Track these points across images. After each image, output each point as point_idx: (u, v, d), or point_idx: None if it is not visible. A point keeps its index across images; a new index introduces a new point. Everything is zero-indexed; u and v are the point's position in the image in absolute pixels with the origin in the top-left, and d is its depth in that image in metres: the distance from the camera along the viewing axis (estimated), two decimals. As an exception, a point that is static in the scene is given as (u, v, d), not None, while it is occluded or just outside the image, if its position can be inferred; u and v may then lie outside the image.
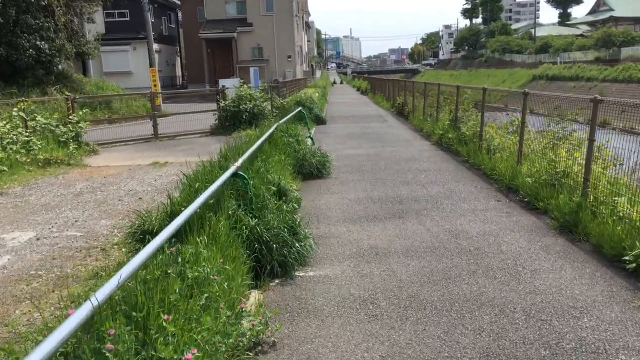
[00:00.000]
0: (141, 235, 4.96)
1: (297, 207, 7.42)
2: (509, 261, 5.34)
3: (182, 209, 4.71)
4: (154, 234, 4.83)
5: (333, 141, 14.90)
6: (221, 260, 4.00)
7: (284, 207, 5.83)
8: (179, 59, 51.08)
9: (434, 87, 16.94)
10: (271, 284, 4.89)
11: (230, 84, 19.41)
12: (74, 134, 13.93)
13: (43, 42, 23.30)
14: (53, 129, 13.82)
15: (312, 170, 9.59)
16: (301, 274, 5.13)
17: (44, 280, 4.85)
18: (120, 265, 3.52)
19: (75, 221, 6.98)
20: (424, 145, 13.77)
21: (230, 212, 4.87)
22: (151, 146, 15.14)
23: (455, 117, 12.97)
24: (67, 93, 25.34)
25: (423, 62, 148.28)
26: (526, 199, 7.49)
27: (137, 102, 27.02)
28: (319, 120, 19.62)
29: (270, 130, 8.78)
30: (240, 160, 5.52)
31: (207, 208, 4.73)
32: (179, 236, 4.29)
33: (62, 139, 13.59)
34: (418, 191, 8.54)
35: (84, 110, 14.99)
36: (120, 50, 40.96)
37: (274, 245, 4.94)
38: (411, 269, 5.21)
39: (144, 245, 3.32)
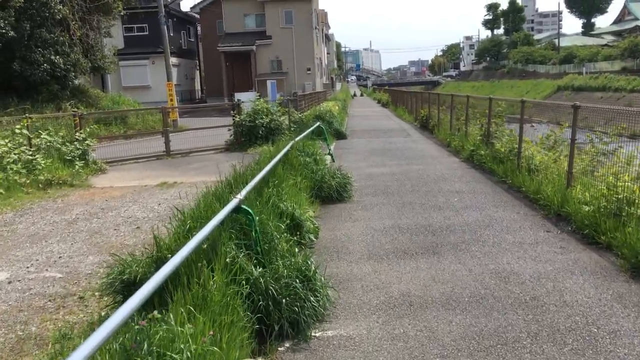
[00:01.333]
0: (121, 285, 4.02)
1: (314, 239, 6.45)
2: (577, 318, 4.26)
3: (169, 255, 3.78)
4: (136, 283, 3.91)
5: (354, 158, 13.91)
6: (212, 333, 3.03)
7: (295, 249, 4.83)
8: (198, 72, 50.78)
9: (461, 99, 15.88)
10: (280, 348, 3.90)
11: (246, 98, 18.61)
12: (80, 152, 13.19)
13: (58, 57, 22.86)
14: (59, 146, 13.11)
15: (331, 193, 8.61)
16: (318, 334, 4.12)
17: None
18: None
19: (60, 257, 6.10)
20: (453, 162, 12.70)
21: (228, 259, 3.90)
22: (162, 164, 14.33)
23: (488, 132, 11.90)
24: (82, 108, 25.00)
25: (444, 73, 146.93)
26: (584, 231, 6.38)
27: (153, 116, 26.41)
28: (339, 135, 18.67)
29: (284, 150, 7.84)
30: (244, 192, 4.57)
31: (200, 254, 3.78)
32: (162, 295, 3.35)
33: (68, 158, 12.86)
34: (452, 218, 7.49)
35: (92, 127, 14.25)
36: (139, 64, 40.72)
37: (284, 300, 3.95)
38: (455, 327, 4.17)
39: (101, 324, 2.37)
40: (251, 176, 5.97)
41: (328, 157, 13.41)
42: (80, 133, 13.58)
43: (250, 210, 4.42)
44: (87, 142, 13.39)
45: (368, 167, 12.32)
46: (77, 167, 12.47)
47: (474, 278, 5.20)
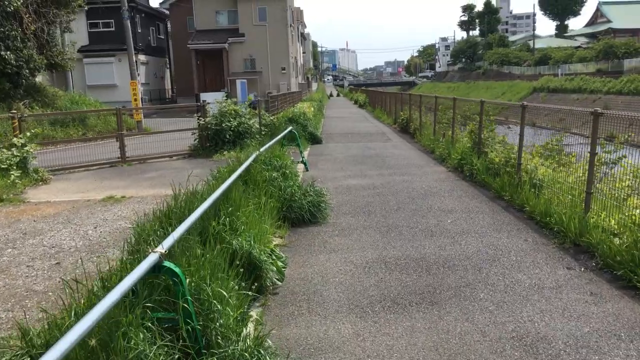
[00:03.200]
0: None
1: (278, 282, 5.04)
2: None
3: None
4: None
5: (330, 166, 12.54)
6: None
7: (246, 330, 3.43)
8: (168, 71, 48.86)
9: (447, 102, 14.66)
10: None
11: (212, 99, 17.10)
12: (18, 160, 11.54)
13: (8, 52, 20.97)
14: (-8, 154, 11.46)
15: (303, 214, 7.22)
16: None
17: None
18: None
19: None
20: (439, 172, 11.41)
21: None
22: (115, 172, 12.76)
23: (479, 139, 10.64)
24: (37, 109, 23.13)
25: (420, 74, 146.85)
26: (616, 270, 5.11)
27: (115, 117, 24.74)
28: (315, 139, 17.29)
29: (244, 165, 6.41)
30: (168, 241, 3.15)
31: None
32: None
33: (2, 166, 11.22)
34: (449, 248, 6.16)
35: (34, 131, 12.60)
36: (105, 62, 38.72)
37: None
38: None
39: None
40: (197, 204, 4.55)
41: (301, 166, 12.03)
42: (20, 138, 11.91)
43: (176, 270, 3.00)
44: (26, 148, 11.73)
45: (345, 177, 10.95)
46: (12, 177, 10.84)
47: (491, 347, 3.86)
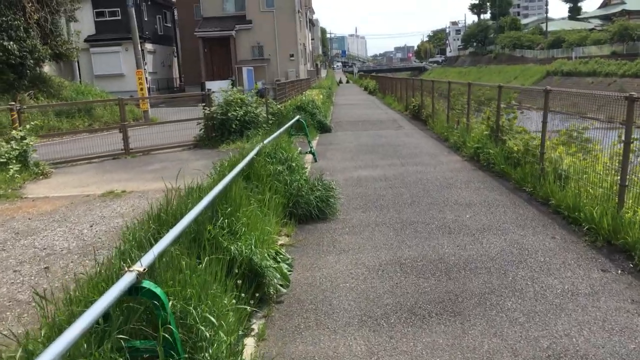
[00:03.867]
0: None
1: (282, 289, 4.58)
2: None
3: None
4: None
5: (340, 156, 12.03)
6: None
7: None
8: (176, 59, 48.36)
9: (461, 87, 14.07)
10: None
11: (218, 87, 16.61)
12: (17, 153, 11.16)
13: (11, 43, 20.59)
14: (-10, 146, 11.09)
15: (310, 210, 6.74)
16: None
17: None
18: None
19: None
20: (455, 162, 10.87)
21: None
22: (118, 165, 12.36)
23: (497, 126, 10.07)
24: (42, 99, 22.79)
25: (430, 59, 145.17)
26: (659, 275, 4.60)
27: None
28: (324, 128, 16.76)
29: (246, 160, 5.92)
30: (148, 257, 2.68)
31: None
32: None
33: (1, 160, 10.84)
34: (469, 247, 5.66)
35: (33, 123, 12.19)
36: (112, 51, 38.29)
37: None
38: None
39: None
40: (190, 206, 4.08)
41: (309, 157, 11.55)
42: (19, 130, 11.52)
43: (156, 291, 2.54)
44: (26, 141, 11.34)
45: (356, 168, 10.45)
46: (11, 171, 10.47)
47: (524, 369, 3.38)
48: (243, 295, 3.89)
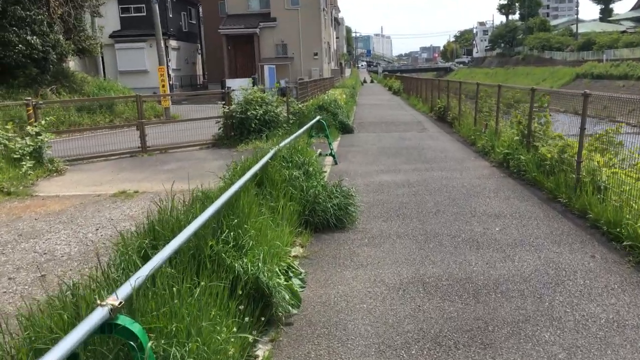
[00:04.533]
0: None
1: (293, 310, 4.15)
2: None
3: None
4: None
5: (361, 159, 11.56)
6: None
7: None
8: (200, 57, 48.37)
9: (490, 89, 13.48)
10: None
11: (238, 85, 16.28)
12: (32, 149, 10.95)
13: (35, 37, 20.58)
14: (5, 142, 10.89)
15: (327, 218, 6.31)
16: None
17: None
18: None
19: None
20: (482, 167, 10.32)
21: None
22: (134, 163, 12.09)
23: (529, 132, 9.50)
24: (65, 95, 22.79)
25: (456, 60, 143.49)
26: None
27: (145, 104, 24.33)
28: (345, 129, 16.31)
29: (260, 164, 5.49)
30: (124, 291, 2.27)
31: None
32: None
33: (15, 156, 10.64)
34: (499, 265, 5.16)
35: (48, 119, 11.98)
36: (136, 47, 38.38)
37: None
38: None
39: None
40: (191, 218, 3.68)
41: (329, 159, 11.11)
42: (34, 126, 11.31)
43: (133, 329, 2.13)
44: (40, 137, 11.12)
45: (377, 173, 9.98)
46: (24, 167, 10.26)
47: (568, 421, 2.89)
48: (247, 319, 3.47)
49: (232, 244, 3.92)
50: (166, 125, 16.54)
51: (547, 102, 9.56)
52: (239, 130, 14.13)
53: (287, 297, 3.95)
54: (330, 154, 11.04)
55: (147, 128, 14.39)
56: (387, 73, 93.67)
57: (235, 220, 4.12)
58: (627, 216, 5.72)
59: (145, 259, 3.24)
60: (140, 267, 2.56)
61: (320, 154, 10.67)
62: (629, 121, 7.41)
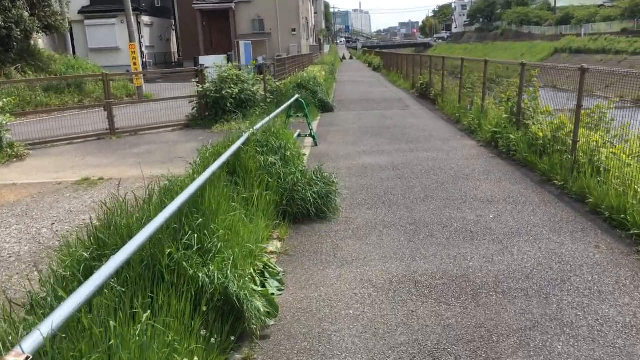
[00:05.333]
0: None
1: (269, 321, 3.62)
2: None
3: None
4: None
5: (343, 139, 10.99)
6: None
7: None
8: (174, 33, 46.88)
9: (476, 65, 12.98)
10: None
11: (211, 62, 15.50)
12: (-12, 134, 10.18)
13: (-5, 14, 19.42)
14: (-41, 126, 10.10)
15: (307, 207, 5.76)
16: None
17: None
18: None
19: None
20: (469, 147, 9.84)
21: None
22: (101, 147, 11.35)
23: (519, 109, 9.02)
24: (31, 74, 21.68)
25: (435, 35, 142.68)
26: None
27: (115, 83, 23.35)
28: (325, 107, 15.68)
29: (230, 152, 4.89)
30: (31, 342, 1.71)
31: None
32: None
33: (-30, 141, 9.87)
34: (497, 259, 4.68)
35: (5, 100, 11.15)
36: (107, 24, 36.88)
37: None
38: None
39: None
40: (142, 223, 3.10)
41: (309, 140, 10.53)
42: (-10, 108, 10.50)
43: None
44: (-2, 120, 10.33)
45: (360, 154, 9.43)
46: (-20, 154, 9.51)
47: None
48: (213, 339, 2.93)
49: (196, 247, 3.35)
50: (137, 105, 15.71)
51: (533, 77, 9.08)
52: (213, 110, 13.42)
53: (261, 308, 3.40)
54: (310, 135, 10.46)
55: (118, 109, 13.62)
56: (366, 49, 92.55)
57: (200, 220, 3.54)
58: (632, 201, 5.28)
59: (87, 275, 2.66)
60: (66, 299, 1.99)
61: (299, 135, 10.07)
62: (607, 95, 7.09)
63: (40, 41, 27.76)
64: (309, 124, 10.48)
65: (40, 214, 6.43)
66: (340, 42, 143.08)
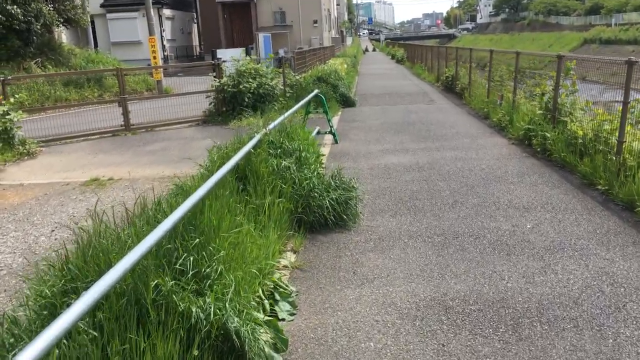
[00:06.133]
0: None
1: (278, 354, 3.13)
2: None
3: None
4: None
5: (364, 137, 10.45)
6: None
7: None
8: (196, 26, 46.65)
9: (506, 57, 12.30)
10: None
11: (230, 56, 15.06)
12: (0, 130, 9.89)
13: (15, 7, 19.25)
14: (-32, 123, 9.83)
15: (325, 215, 5.26)
16: None
17: None
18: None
19: None
20: (500, 145, 9.21)
21: None
22: (115, 144, 11.01)
23: (554, 105, 8.37)
24: (50, 68, 21.56)
25: (460, 26, 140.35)
26: None
27: (134, 77, 23.14)
28: (347, 102, 15.12)
29: (239, 155, 4.40)
30: None
31: None
32: None
33: (-20, 138, 9.60)
34: (539, 279, 4.12)
35: (17, 96, 10.87)
36: (128, 17, 36.74)
37: None
38: None
39: None
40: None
41: (329, 137, 10.02)
42: (2, 105, 10.21)
43: None
44: (9, 116, 10.02)
45: (383, 153, 8.89)
46: (-10, 151, 9.22)
47: None
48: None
49: (191, 273, 2.88)
50: (154, 100, 15.38)
51: (570, 70, 8.40)
52: (231, 105, 12.99)
53: (266, 348, 2.91)
54: (330, 132, 9.94)
55: (135, 104, 13.29)
56: (389, 41, 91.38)
57: (197, 240, 3.06)
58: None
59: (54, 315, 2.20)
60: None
61: (318, 132, 9.59)
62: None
63: (64, 35, 27.73)
64: (329, 121, 9.95)
65: (42, 220, 6.05)
66: (363, 34, 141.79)
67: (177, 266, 2.85)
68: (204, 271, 2.95)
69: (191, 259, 2.94)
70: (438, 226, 5.37)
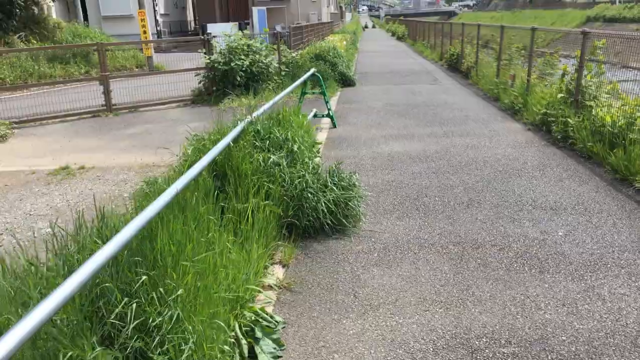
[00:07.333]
0: None
1: None
2: None
3: None
4: None
5: (365, 120, 9.58)
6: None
7: None
8: (190, 0, 45.22)
9: (519, 33, 11.39)
10: None
11: (219, 31, 14.07)
12: (-34, 111, 9.02)
13: (-5, -23, 18.21)
14: None
15: (320, 218, 4.44)
16: None
17: None
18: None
19: None
20: (515, 131, 8.37)
21: None
22: (94, 126, 10.14)
23: (577, 87, 7.51)
24: (35, 42, 20.53)
25: (460, 3, 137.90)
26: None
27: (124, 53, 22.15)
28: (346, 81, 14.18)
29: (214, 153, 3.55)
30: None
31: None
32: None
33: (-56, 120, 8.73)
34: (583, 308, 3.34)
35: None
36: (120, -11, 35.35)
37: None
38: None
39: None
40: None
41: (327, 120, 9.17)
42: (-32, 83, 9.31)
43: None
44: (-24, 95, 9.14)
45: (386, 139, 8.04)
46: (-47, 134, 8.36)
47: None
48: None
49: (131, 326, 2.07)
50: (141, 78, 14.44)
51: (597, 49, 7.51)
52: (222, 84, 12.06)
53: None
54: (328, 115, 9.07)
55: (119, 82, 12.36)
56: (389, 17, 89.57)
57: (144, 277, 2.25)
58: None
59: None
60: None
61: (315, 115, 8.72)
62: None
63: (53, 9, 26.61)
64: (327, 102, 9.08)
65: (-8, 218, 5.23)
66: (362, 10, 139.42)
67: (111, 319, 2.04)
68: (151, 324, 2.14)
69: (134, 306, 2.12)
70: (453, 232, 4.56)
